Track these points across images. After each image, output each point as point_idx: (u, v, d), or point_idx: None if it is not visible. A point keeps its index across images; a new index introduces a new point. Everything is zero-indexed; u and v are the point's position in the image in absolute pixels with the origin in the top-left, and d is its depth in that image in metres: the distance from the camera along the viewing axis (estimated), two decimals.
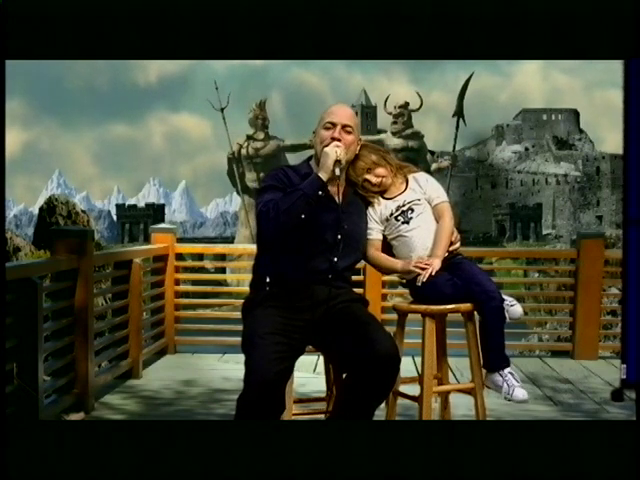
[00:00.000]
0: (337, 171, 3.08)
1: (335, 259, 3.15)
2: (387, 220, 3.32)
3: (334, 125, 3.15)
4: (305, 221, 3.04)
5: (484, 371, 3.38)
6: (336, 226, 3.14)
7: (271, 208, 3.03)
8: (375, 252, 3.35)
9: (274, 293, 3.13)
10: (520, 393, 3.29)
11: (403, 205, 3.32)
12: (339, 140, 3.12)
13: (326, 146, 3.12)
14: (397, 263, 3.34)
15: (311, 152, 3.31)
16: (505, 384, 3.29)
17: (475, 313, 3.38)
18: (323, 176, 3.08)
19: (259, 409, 2.91)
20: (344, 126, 3.15)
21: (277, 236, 3.07)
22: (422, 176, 3.40)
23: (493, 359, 3.33)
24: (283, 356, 2.95)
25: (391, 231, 3.33)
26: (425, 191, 3.36)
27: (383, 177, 3.29)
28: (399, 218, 3.32)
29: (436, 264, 3.25)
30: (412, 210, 3.32)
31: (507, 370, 3.32)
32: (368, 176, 3.27)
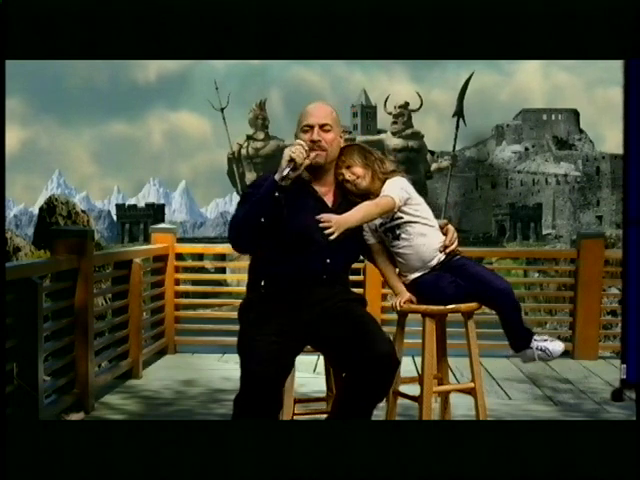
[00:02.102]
0: (286, 171, 2.97)
1: (328, 260, 3.14)
2: (376, 231, 3.31)
3: (311, 127, 3.11)
4: (271, 224, 3.00)
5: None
6: (328, 227, 3.10)
7: (234, 219, 3.09)
8: (375, 256, 3.37)
9: (270, 294, 3.13)
10: (557, 347, 3.31)
11: (390, 221, 3.29)
12: (319, 141, 3.09)
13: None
14: (390, 279, 3.38)
15: None
16: (538, 352, 3.29)
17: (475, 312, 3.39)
18: (276, 176, 3.01)
19: (255, 410, 2.92)
20: (322, 125, 3.12)
21: (246, 244, 3.12)
22: (388, 182, 3.28)
23: (518, 343, 3.33)
24: (279, 356, 2.96)
25: (389, 245, 3.34)
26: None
27: (357, 177, 3.21)
28: (388, 234, 3.31)
29: (338, 225, 3.02)
30: (398, 227, 3.29)
31: (533, 341, 3.31)
32: (344, 171, 3.22)
